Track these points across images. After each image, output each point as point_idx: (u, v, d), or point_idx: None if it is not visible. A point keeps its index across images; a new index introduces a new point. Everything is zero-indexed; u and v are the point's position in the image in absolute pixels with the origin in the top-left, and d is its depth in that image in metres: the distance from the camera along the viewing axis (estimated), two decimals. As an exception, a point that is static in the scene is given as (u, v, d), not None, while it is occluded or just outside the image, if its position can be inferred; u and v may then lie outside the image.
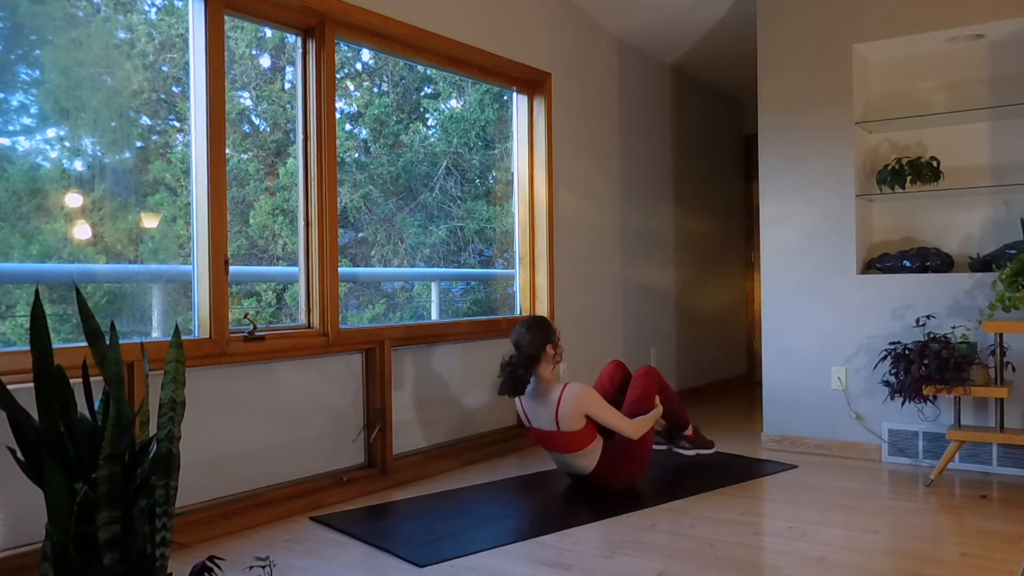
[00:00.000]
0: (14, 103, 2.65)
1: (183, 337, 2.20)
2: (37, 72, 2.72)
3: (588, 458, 3.26)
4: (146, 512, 1.71)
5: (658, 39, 5.15)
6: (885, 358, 3.56)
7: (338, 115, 3.80)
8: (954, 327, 3.64)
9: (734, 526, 2.83)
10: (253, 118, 3.78)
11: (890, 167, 3.88)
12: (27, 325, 2.21)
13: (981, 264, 3.68)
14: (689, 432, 3.68)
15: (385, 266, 4.26)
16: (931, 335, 3.49)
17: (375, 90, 4.42)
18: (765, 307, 4.22)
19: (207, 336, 2.85)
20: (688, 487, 3.36)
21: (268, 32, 3.63)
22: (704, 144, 6.19)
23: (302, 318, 3.28)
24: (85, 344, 1.99)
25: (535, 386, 3.29)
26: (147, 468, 1.73)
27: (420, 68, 4.46)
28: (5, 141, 2.63)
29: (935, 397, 3.50)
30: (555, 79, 4.45)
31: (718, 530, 2.78)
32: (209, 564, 1.84)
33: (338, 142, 3.36)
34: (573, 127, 4.62)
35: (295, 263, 3.34)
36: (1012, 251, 3.56)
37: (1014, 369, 3.52)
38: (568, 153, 4.57)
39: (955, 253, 3.89)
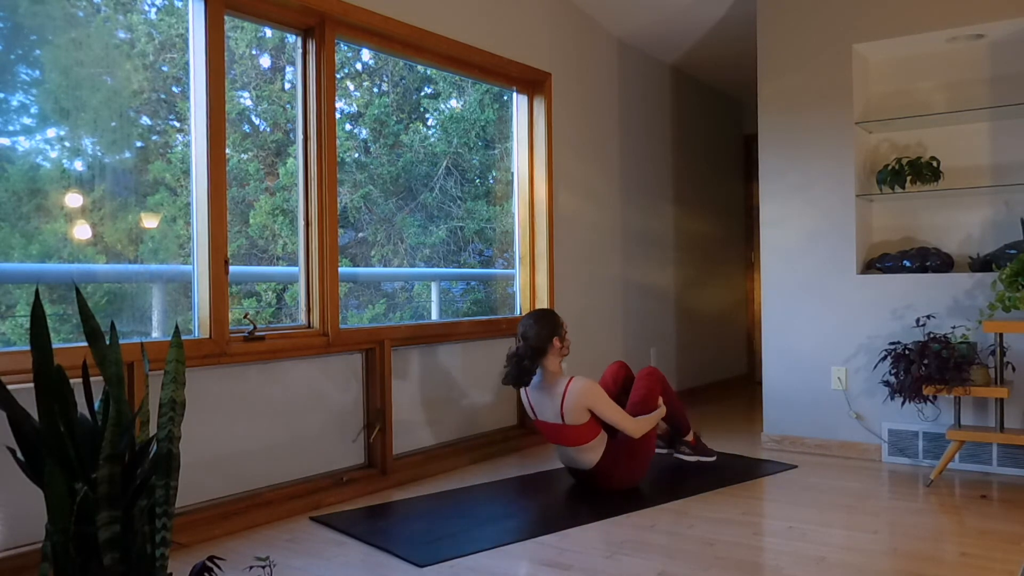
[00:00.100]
0: (14, 103, 2.65)
1: (183, 337, 2.20)
2: (37, 72, 2.72)
3: (591, 453, 3.27)
4: (146, 512, 1.71)
5: (658, 39, 5.15)
6: (885, 358, 3.56)
7: (338, 115, 3.80)
8: (954, 327, 3.64)
9: (734, 526, 2.83)
10: (253, 118, 3.78)
11: (890, 167, 3.88)
12: (27, 325, 2.21)
13: (981, 264, 3.68)
14: (690, 438, 3.68)
15: (385, 266, 4.26)
16: (931, 335, 3.49)
17: (375, 90, 4.42)
18: (765, 307, 4.22)
19: (207, 336, 2.85)
20: (688, 487, 3.36)
21: (268, 32, 3.63)
22: (704, 144, 6.19)
23: (302, 318, 3.28)
24: (85, 344, 1.99)
25: (541, 378, 3.31)
26: (147, 468, 1.73)
27: (420, 68, 4.46)
28: (5, 141, 2.63)
29: (935, 397, 3.50)
30: (555, 79, 4.45)
31: (718, 530, 2.78)
32: (209, 564, 1.84)
33: (338, 142, 3.36)
34: (573, 127, 4.62)
35: (295, 263, 3.34)
36: (1012, 251, 3.56)
37: (1014, 369, 3.52)
38: (568, 153, 4.57)
39: (955, 253, 3.89)
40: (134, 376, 2.57)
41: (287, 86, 3.75)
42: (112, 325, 1.82)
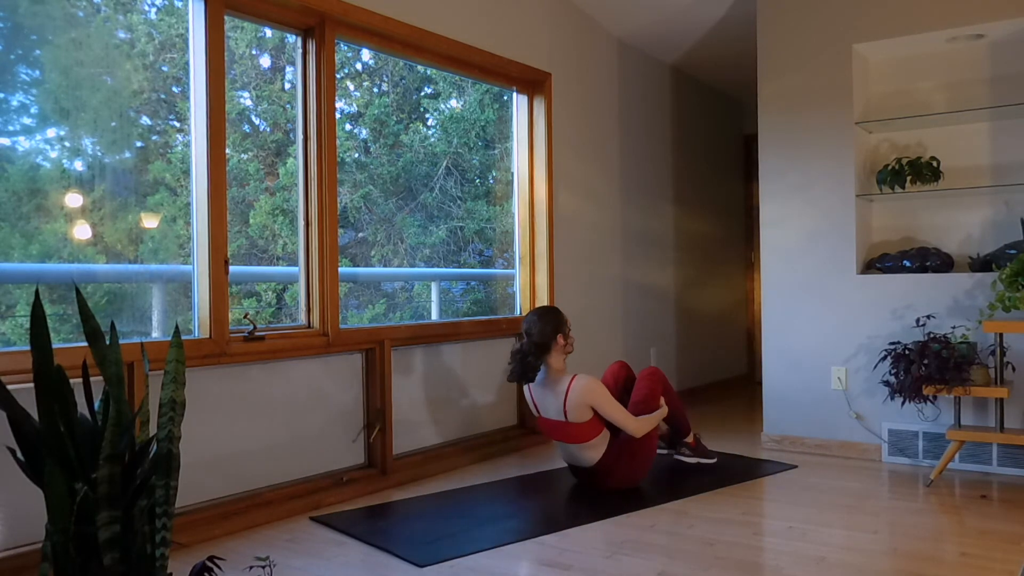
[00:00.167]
0: (14, 103, 2.65)
1: (183, 337, 2.20)
2: (37, 72, 2.72)
3: (594, 450, 3.27)
4: (146, 512, 1.71)
5: (658, 39, 5.15)
6: (885, 358, 3.56)
7: (338, 115, 3.80)
8: (954, 327, 3.64)
9: (734, 526, 2.83)
10: (253, 118, 3.78)
11: (890, 167, 3.88)
12: (27, 325, 2.20)
13: (981, 264, 3.68)
14: (690, 439, 3.68)
15: (385, 266, 4.26)
16: (931, 335, 3.49)
17: (375, 90, 4.42)
18: (765, 307, 4.22)
19: (207, 336, 2.85)
20: (688, 487, 3.36)
21: (268, 32, 3.63)
22: (704, 144, 6.19)
23: (302, 318, 3.28)
24: (85, 344, 1.99)
25: (545, 375, 3.32)
26: (147, 468, 1.73)
27: (420, 68, 4.46)
28: (5, 141, 2.63)
29: (935, 397, 3.50)
30: (555, 79, 4.45)
31: (718, 530, 2.78)
32: (209, 564, 1.84)
33: (338, 142, 3.36)
34: (573, 127, 4.62)
35: (295, 263, 3.34)
36: (1012, 251, 3.56)
37: (1014, 369, 3.52)
38: (568, 153, 4.57)
39: (955, 253, 3.89)
40: (134, 376, 2.57)
41: (287, 86, 3.75)
42: (112, 325, 1.82)
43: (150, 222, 3.00)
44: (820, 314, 4.03)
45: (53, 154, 2.73)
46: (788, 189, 4.15)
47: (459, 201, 4.47)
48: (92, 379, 1.88)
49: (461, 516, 3.00)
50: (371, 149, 4.29)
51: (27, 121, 2.70)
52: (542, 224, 4.36)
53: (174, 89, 3.15)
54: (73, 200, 2.75)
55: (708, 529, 2.80)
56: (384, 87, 4.46)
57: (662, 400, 3.43)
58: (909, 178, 3.86)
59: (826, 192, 4.03)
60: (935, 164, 3.84)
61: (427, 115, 4.60)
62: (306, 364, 3.23)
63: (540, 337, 3.28)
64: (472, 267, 4.59)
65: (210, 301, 2.86)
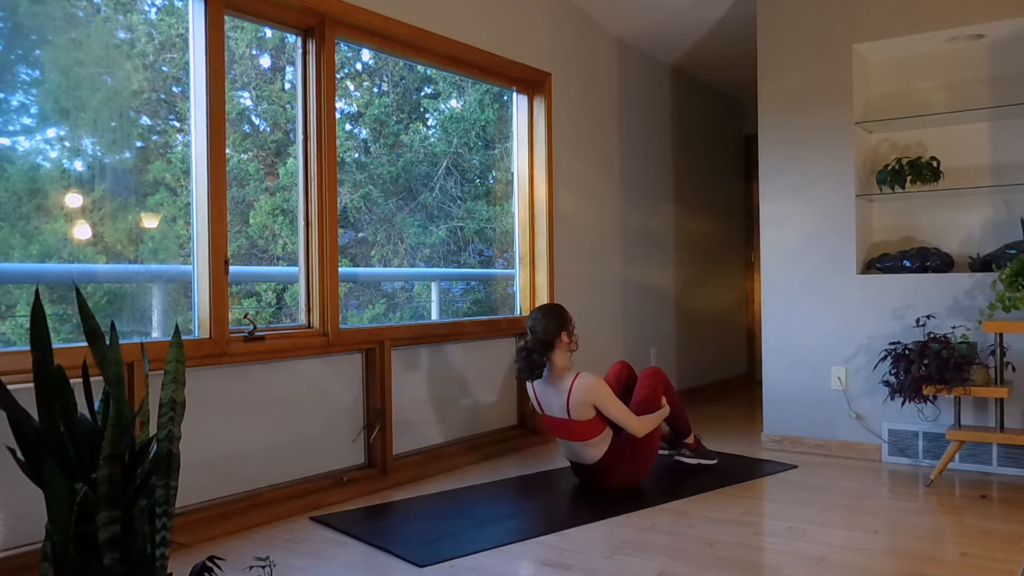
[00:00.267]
0: (14, 103, 2.65)
1: (183, 337, 2.20)
2: (37, 72, 2.72)
3: (596, 448, 3.28)
4: (146, 512, 1.71)
5: (658, 39, 5.15)
6: (885, 358, 3.56)
7: (338, 115, 3.80)
8: (954, 327, 3.64)
9: (734, 526, 2.83)
10: (253, 118, 3.78)
11: (890, 167, 3.88)
12: (27, 325, 2.20)
13: (981, 264, 3.68)
14: (691, 440, 3.68)
15: (385, 266, 4.26)
16: (931, 335, 3.49)
17: (375, 90, 4.42)
18: (765, 307, 4.22)
19: (207, 336, 2.85)
20: (688, 487, 3.36)
21: (268, 32, 3.63)
22: (704, 144, 6.19)
23: (302, 318, 3.28)
24: (85, 344, 1.99)
25: (548, 373, 3.33)
26: (147, 468, 1.73)
27: (420, 68, 4.46)
28: (5, 141, 2.63)
29: (935, 397, 3.50)
30: (555, 79, 4.45)
31: (718, 530, 2.78)
32: (209, 564, 1.84)
33: (338, 142, 3.36)
34: (573, 127, 4.62)
35: (295, 263, 3.34)
36: (1012, 251, 3.56)
37: (1014, 369, 3.52)
38: (568, 153, 4.57)
39: (955, 253, 3.89)
40: (134, 376, 2.57)
41: (287, 86, 3.75)
42: (112, 325, 1.82)
43: (150, 222, 3.00)
44: (820, 314, 4.03)
45: (53, 154, 2.73)
46: (788, 189, 4.15)
47: (459, 201, 4.47)
48: (92, 379, 1.88)
49: (461, 516, 2.99)
50: (371, 149, 4.29)
51: (27, 121, 2.70)
52: (542, 224, 4.36)
53: (174, 89, 3.15)
54: (73, 200, 2.75)
55: (708, 529, 2.80)
56: (384, 87, 4.46)
57: (664, 400, 3.43)
58: (909, 178, 3.86)
59: (826, 192, 4.03)
60: (935, 164, 3.84)
61: (427, 115, 4.60)
62: (306, 364, 3.23)
63: (544, 335, 3.29)
64: (472, 267, 4.59)
65: (210, 301, 2.86)
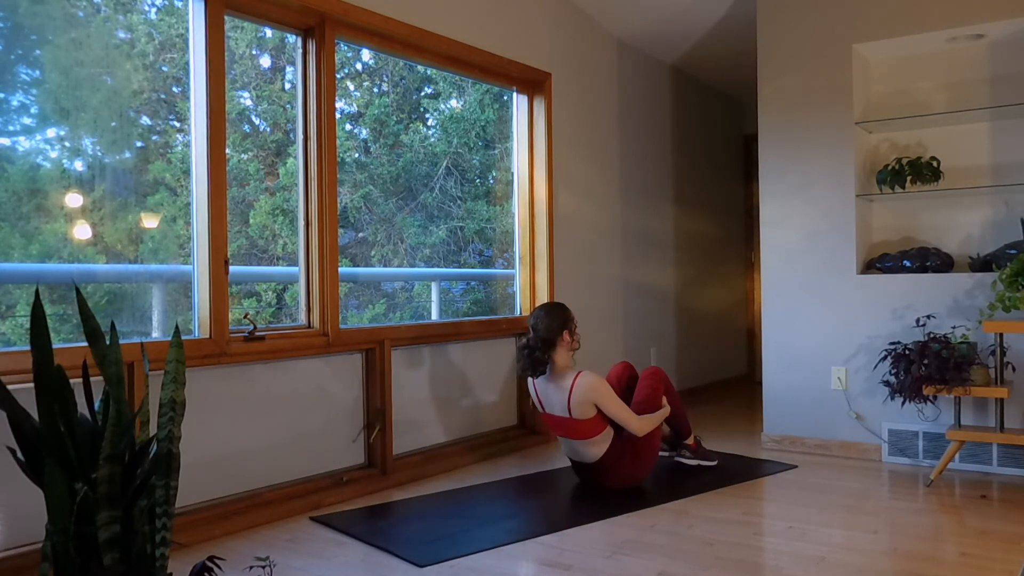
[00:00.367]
0: (14, 103, 2.65)
1: (183, 337, 2.20)
2: (37, 72, 2.72)
3: (596, 447, 3.28)
4: (146, 512, 1.71)
5: (658, 39, 5.15)
6: (885, 358, 3.56)
7: (338, 115, 3.80)
8: (954, 327, 3.64)
9: (734, 526, 2.83)
10: (253, 118, 3.78)
11: (890, 167, 3.88)
12: (27, 325, 2.21)
13: (981, 264, 3.68)
14: (691, 441, 3.68)
15: (385, 266, 4.26)
16: (931, 335, 3.49)
17: (375, 90, 4.42)
18: (765, 307, 4.22)
19: (207, 336, 2.85)
20: (688, 487, 3.36)
21: (268, 32, 3.63)
22: (704, 144, 6.19)
23: (302, 318, 3.28)
24: (85, 344, 1.99)
25: (550, 371, 3.33)
26: (147, 468, 1.73)
27: (420, 68, 4.46)
28: (5, 141, 2.63)
29: (935, 397, 3.50)
30: (555, 79, 4.45)
31: (718, 530, 2.78)
32: (209, 564, 1.84)
33: (338, 142, 3.36)
34: (573, 127, 4.62)
35: (295, 263, 3.34)
36: (1012, 251, 3.56)
37: (1014, 369, 3.52)
38: (568, 153, 4.57)
39: (955, 253, 3.89)
40: (134, 376, 2.57)
41: (287, 86, 3.75)
42: (112, 325, 1.82)
43: (150, 222, 3.00)
44: (820, 314, 4.03)
45: (53, 154, 2.73)
46: (788, 189, 4.15)
47: (459, 201, 4.47)
48: (92, 379, 1.88)
49: (461, 516, 3.00)
50: (371, 149, 4.29)
51: (27, 121, 2.70)
52: (542, 224, 4.36)
53: (174, 89, 3.15)
54: (73, 200, 2.75)
55: (708, 529, 2.80)
56: (384, 87, 4.46)
57: (664, 400, 3.44)
58: (909, 178, 3.86)
59: (826, 192, 4.03)
60: (935, 164, 3.84)
61: (427, 115, 4.60)
62: (306, 364, 3.23)
63: (547, 332, 3.30)
64: (472, 267, 4.59)
65: (210, 301, 2.86)
